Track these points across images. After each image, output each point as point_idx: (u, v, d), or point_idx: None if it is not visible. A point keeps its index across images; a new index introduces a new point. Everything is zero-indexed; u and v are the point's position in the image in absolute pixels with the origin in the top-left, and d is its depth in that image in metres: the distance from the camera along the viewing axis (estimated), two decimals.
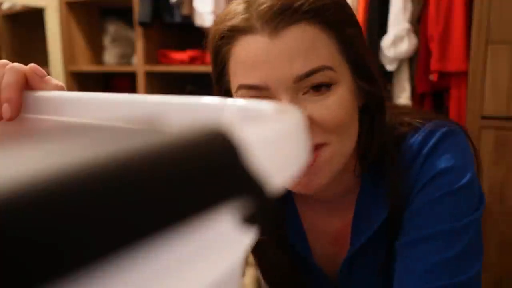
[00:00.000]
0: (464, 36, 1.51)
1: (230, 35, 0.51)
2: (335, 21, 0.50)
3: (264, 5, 0.48)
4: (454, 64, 1.53)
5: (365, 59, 0.53)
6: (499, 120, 1.44)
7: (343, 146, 0.52)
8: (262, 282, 0.72)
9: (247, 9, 0.49)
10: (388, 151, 0.56)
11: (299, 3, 0.48)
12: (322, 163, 0.51)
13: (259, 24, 0.48)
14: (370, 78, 0.54)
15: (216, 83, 0.57)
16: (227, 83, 0.55)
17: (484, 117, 1.46)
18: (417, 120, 0.59)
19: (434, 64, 1.55)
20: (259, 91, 0.49)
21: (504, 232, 1.41)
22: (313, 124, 0.49)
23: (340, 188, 0.61)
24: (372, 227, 0.59)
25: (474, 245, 0.53)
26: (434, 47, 1.55)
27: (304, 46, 0.48)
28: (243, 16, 0.49)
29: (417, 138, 0.56)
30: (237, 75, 0.51)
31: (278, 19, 0.47)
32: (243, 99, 0.49)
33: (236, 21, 0.50)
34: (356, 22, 0.54)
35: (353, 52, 0.52)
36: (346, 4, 0.54)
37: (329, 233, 0.65)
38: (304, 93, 0.49)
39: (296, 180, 0.51)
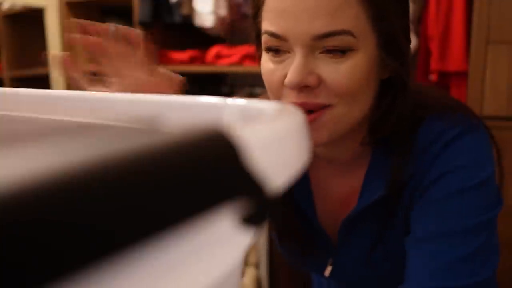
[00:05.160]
0: (464, 36, 1.51)
1: None
2: None
3: None
4: (454, 64, 1.53)
5: (396, 34, 0.52)
6: (499, 120, 1.44)
7: (348, 112, 0.52)
8: (262, 282, 0.73)
9: None
10: (404, 130, 0.56)
11: None
12: (323, 122, 0.51)
13: None
14: (397, 54, 0.53)
15: (251, 24, 0.59)
16: (259, 24, 0.56)
17: (484, 117, 1.46)
18: (441, 107, 0.58)
19: (434, 64, 1.55)
20: (279, 40, 0.51)
21: (504, 232, 1.41)
22: (321, 84, 0.50)
23: (348, 153, 0.61)
24: (373, 196, 0.59)
25: (488, 246, 0.52)
26: (434, 47, 1.55)
27: (330, 7, 0.47)
28: None
29: (435, 127, 0.55)
30: (265, 20, 0.53)
31: None
32: (265, 44, 0.53)
33: None
34: None
35: (384, 24, 0.50)
36: None
37: (336, 194, 0.65)
38: (321, 53, 0.50)
39: None
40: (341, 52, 0.49)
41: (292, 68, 0.50)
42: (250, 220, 0.16)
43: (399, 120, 0.55)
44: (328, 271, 0.68)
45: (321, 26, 0.48)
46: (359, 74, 0.50)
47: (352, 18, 0.48)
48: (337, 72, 0.49)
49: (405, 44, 0.54)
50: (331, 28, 0.48)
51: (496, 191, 0.55)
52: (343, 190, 0.65)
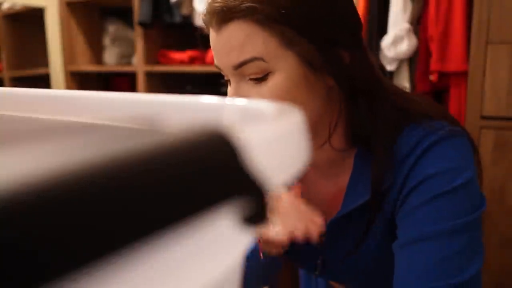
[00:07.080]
0: (464, 36, 1.51)
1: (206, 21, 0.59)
2: (270, 18, 0.53)
3: (215, 3, 0.55)
4: (454, 64, 1.53)
5: (315, 51, 0.55)
6: (499, 120, 1.44)
7: None
8: None
9: (209, 4, 0.57)
10: (384, 138, 0.58)
11: (235, 3, 0.53)
12: None
13: (210, 19, 0.56)
14: (329, 65, 0.55)
15: None
16: None
17: (484, 117, 1.46)
18: (421, 114, 0.60)
19: (434, 64, 1.55)
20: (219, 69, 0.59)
21: (504, 232, 1.41)
22: None
23: (324, 158, 0.65)
24: (357, 201, 0.61)
25: (472, 246, 0.53)
26: (434, 47, 1.55)
27: (239, 40, 0.54)
28: (207, 9, 0.57)
29: (413, 136, 0.58)
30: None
31: (220, 16, 0.54)
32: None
33: (205, 12, 0.58)
34: (305, 17, 0.54)
35: (298, 45, 0.54)
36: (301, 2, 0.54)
37: (323, 196, 0.68)
38: (250, 79, 0.56)
39: None
40: (259, 76, 0.55)
41: (228, 93, 0.58)
42: (250, 220, 0.16)
43: (380, 127, 0.58)
44: (318, 269, 0.71)
45: (235, 57, 0.55)
46: (281, 92, 0.55)
47: (260, 46, 0.54)
48: (259, 95, 0.55)
49: (344, 54, 0.56)
50: (243, 58, 0.54)
51: (477, 194, 0.57)
52: (329, 192, 0.67)
